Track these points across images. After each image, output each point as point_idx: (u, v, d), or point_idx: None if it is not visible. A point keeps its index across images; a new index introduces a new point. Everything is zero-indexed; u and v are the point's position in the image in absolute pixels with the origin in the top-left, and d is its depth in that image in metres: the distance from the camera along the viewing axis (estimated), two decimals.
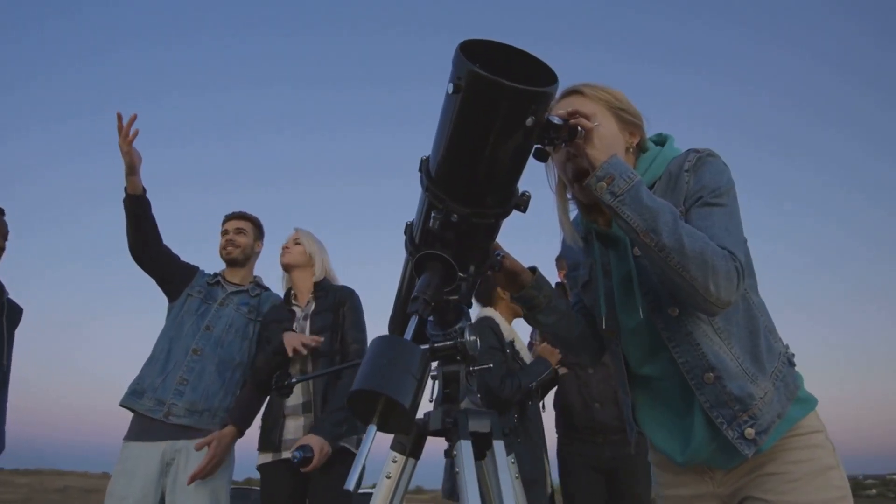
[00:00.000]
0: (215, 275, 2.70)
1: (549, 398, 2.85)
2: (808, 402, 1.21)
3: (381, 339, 0.94)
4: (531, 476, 2.39)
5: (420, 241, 1.18)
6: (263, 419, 2.36)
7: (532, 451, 2.48)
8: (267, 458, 2.27)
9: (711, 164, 1.22)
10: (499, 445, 1.00)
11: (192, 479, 2.21)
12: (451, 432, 1.03)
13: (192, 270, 2.65)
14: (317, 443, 2.00)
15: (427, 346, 1.16)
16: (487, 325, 2.64)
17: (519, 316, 2.68)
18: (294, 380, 1.41)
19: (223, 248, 2.68)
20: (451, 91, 0.98)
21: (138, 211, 2.39)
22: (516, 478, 1.15)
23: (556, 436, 2.76)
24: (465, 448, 0.97)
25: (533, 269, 1.37)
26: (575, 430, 2.68)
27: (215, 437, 2.27)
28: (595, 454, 2.61)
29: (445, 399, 1.15)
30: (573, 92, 1.30)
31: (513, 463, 1.15)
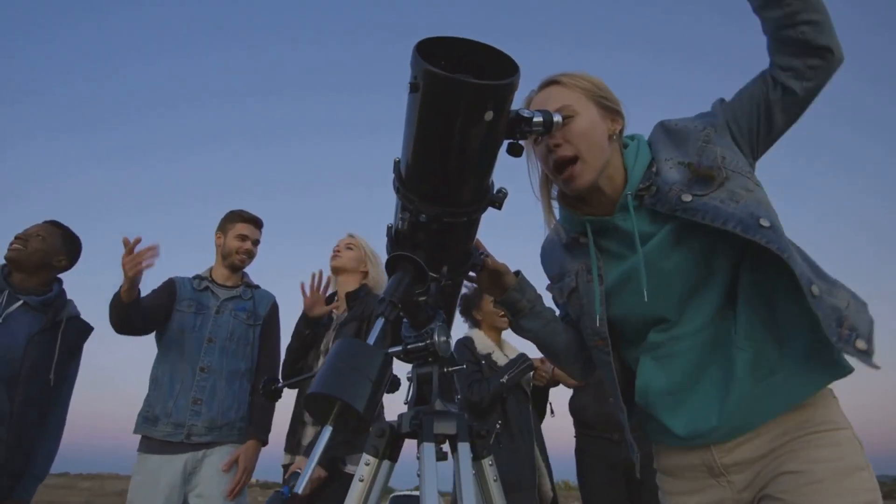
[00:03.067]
0: (202, 278, 2.62)
1: (561, 403, 2.83)
2: (841, 368, 1.10)
3: (342, 342, 0.94)
4: (512, 480, 2.35)
5: (395, 244, 1.17)
6: (292, 419, 2.38)
7: (515, 455, 2.45)
8: (288, 458, 2.31)
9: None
10: (464, 447, 0.98)
11: (231, 494, 2.27)
12: (419, 434, 1.02)
13: (170, 290, 2.55)
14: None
15: (399, 348, 1.15)
16: (463, 343, 2.80)
17: (503, 329, 2.83)
18: (281, 384, 1.43)
19: (236, 252, 2.60)
20: (409, 91, 0.97)
21: (130, 312, 2.30)
22: (495, 480, 1.13)
23: (574, 436, 2.71)
24: (427, 450, 0.95)
25: (517, 273, 1.33)
26: (590, 428, 2.64)
27: (240, 454, 2.32)
28: (612, 452, 2.55)
29: (418, 401, 1.14)
30: (552, 82, 1.26)
31: (491, 465, 1.13)
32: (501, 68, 0.98)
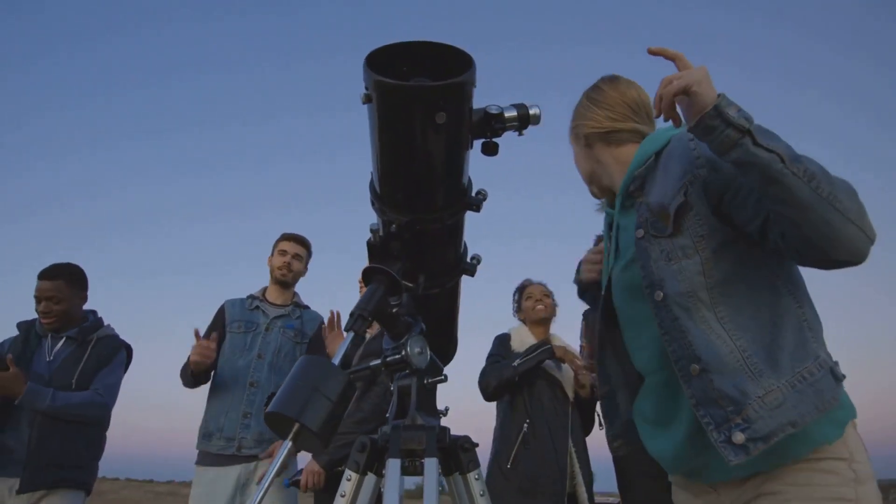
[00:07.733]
0: (254, 297, 2.76)
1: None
2: (839, 425, 1.03)
3: (304, 359, 0.94)
4: (530, 484, 2.26)
5: (370, 256, 1.17)
6: None
7: (541, 456, 2.35)
8: None
9: None
10: (430, 462, 0.95)
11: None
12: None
13: (220, 319, 2.71)
14: (309, 467, 2.08)
15: (378, 361, 1.14)
16: (499, 338, 2.87)
17: (537, 318, 2.86)
18: None
19: (279, 268, 2.75)
20: (362, 102, 0.97)
21: (201, 378, 2.57)
22: (482, 495, 1.09)
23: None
24: (392, 466, 0.93)
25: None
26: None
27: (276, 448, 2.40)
28: (654, 463, 2.40)
29: (398, 414, 1.12)
30: None
31: (477, 479, 1.09)
32: (461, 66, 0.95)
